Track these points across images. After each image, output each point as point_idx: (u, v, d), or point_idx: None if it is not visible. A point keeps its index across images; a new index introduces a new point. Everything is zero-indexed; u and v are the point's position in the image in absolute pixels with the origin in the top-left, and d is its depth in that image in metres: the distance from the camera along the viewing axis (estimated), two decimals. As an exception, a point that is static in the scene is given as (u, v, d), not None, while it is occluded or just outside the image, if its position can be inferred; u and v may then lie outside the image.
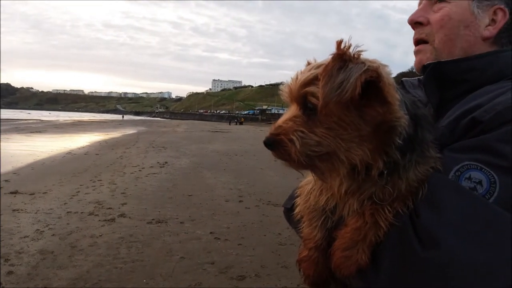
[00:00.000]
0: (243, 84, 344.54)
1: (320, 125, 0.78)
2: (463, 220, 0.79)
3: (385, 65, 0.79)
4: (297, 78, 0.82)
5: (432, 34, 1.14)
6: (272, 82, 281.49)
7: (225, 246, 5.59)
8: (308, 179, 1.03)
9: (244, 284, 4.42)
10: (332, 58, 0.77)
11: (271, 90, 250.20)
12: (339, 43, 0.76)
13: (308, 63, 0.86)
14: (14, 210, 6.96)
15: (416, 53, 1.20)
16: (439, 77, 1.10)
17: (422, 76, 1.22)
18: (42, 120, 63.39)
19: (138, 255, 5.09)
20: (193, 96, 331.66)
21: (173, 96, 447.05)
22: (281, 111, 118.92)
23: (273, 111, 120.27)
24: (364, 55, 0.77)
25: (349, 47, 0.76)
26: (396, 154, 0.81)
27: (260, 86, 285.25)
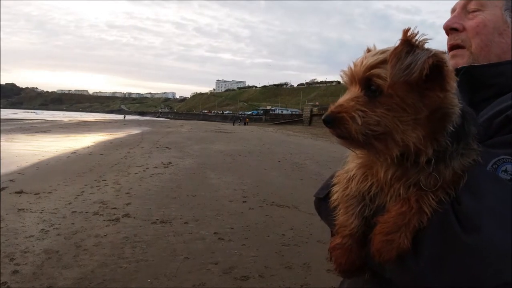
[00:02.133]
0: (247, 85, 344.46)
1: (381, 106, 0.83)
2: (502, 208, 0.84)
3: (446, 53, 0.85)
4: (362, 62, 0.87)
5: (468, 40, 1.19)
6: (276, 82, 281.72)
7: (229, 246, 5.61)
8: (347, 168, 1.05)
9: (247, 284, 4.43)
10: (401, 42, 0.82)
11: (274, 91, 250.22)
12: (406, 30, 0.82)
13: (368, 50, 0.91)
14: (19, 209, 7.00)
15: (451, 57, 1.24)
16: (470, 80, 1.15)
17: None
18: (47, 120, 63.67)
19: (142, 255, 5.11)
20: (197, 96, 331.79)
21: (177, 96, 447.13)
22: (284, 111, 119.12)
23: (277, 112, 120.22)
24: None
25: (415, 35, 0.81)
26: (446, 142, 0.86)
27: (264, 86, 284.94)
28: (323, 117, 0.85)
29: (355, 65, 0.88)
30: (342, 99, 0.87)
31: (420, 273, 0.87)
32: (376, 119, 0.82)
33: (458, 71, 1.16)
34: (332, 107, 0.86)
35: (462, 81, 1.15)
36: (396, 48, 0.81)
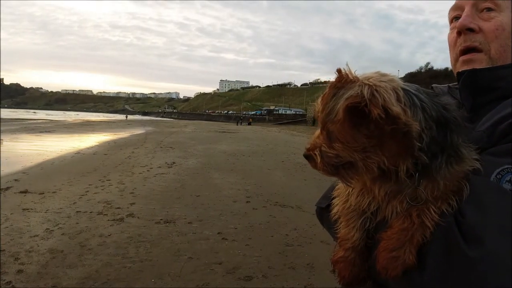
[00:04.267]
0: (250, 85, 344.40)
1: (337, 141, 0.89)
2: (507, 220, 0.82)
3: (384, 79, 0.84)
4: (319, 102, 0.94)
5: (487, 43, 1.13)
6: (280, 82, 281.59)
7: (233, 246, 5.62)
8: None
9: (251, 284, 4.43)
10: (329, 86, 0.88)
11: (278, 91, 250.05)
12: (339, 70, 0.87)
13: (338, 72, 0.91)
14: (24, 209, 7.04)
15: (467, 62, 1.17)
16: (472, 84, 1.12)
17: (452, 84, 1.25)
18: (51, 120, 63.90)
19: (146, 255, 5.13)
20: (201, 96, 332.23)
21: (181, 96, 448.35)
22: (288, 111, 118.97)
23: (280, 112, 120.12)
24: (364, 75, 0.87)
25: (346, 74, 0.86)
26: (422, 156, 0.85)
27: (268, 86, 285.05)
28: (303, 154, 0.98)
29: (316, 104, 0.95)
30: (313, 136, 0.98)
31: (425, 286, 0.87)
32: (334, 153, 0.90)
33: (460, 75, 1.15)
34: (306, 145, 0.99)
35: (465, 85, 1.13)
36: (324, 94, 0.89)
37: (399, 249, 0.89)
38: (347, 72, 0.86)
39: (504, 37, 1.12)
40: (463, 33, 1.17)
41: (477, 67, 1.14)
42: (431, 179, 0.88)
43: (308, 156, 0.97)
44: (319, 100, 0.92)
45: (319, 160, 0.93)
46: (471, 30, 1.15)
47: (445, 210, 0.88)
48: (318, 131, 0.96)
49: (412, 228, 0.89)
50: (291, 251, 5.50)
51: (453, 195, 0.89)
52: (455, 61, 1.22)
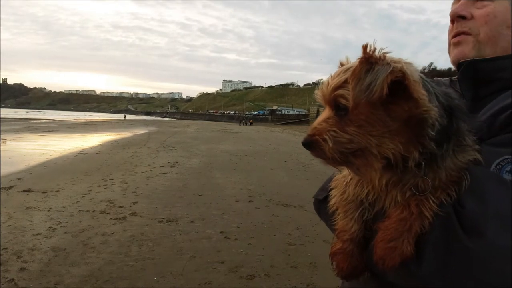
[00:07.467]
0: (253, 85, 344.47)
1: (351, 124, 0.83)
2: (506, 211, 0.81)
3: (409, 63, 0.82)
4: (328, 83, 0.87)
5: (476, 28, 1.14)
6: (282, 82, 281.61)
7: (235, 245, 5.61)
8: (344, 173, 1.04)
9: (253, 283, 4.43)
10: (360, 61, 0.81)
11: (281, 91, 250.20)
12: (365, 47, 0.80)
13: (341, 64, 0.90)
14: (27, 207, 7.07)
15: (456, 44, 1.18)
16: (473, 75, 1.12)
17: (454, 77, 1.24)
18: (55, 120, 64.10)
19: (149, 253, 5.13)
20: (204, 96, 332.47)
21: (184, 96, 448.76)
22: (290, 112, 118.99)
23: (283, 112, 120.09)
24: (389, 56, 0.81)
25: (374, 50, 0.80)
26: (431, 145, 0.83)
27: (270, 86, 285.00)
28: (301, 141, 0.88)
29: (323, 85, 0.88)
30: (316, 121, 0.88)
31: (423, 277, 0.85)
32: (348, 137, 0.83)
33: (460, 66, 1.15)
34: (308, 131, 0.89)
35: (465, 76, 1.13)
36: (355, 69, 0.80)
37: (397, 240, 0.87)
38: (373, 51, 0.80)
39: (496, 23, 1.12)
40: (456, 20, 1.18)
41: (465, 49, 1.15)
42: (434, 169, 0.86)
43: (310, 143, 0.87)
44: (335, 77, 0.86)
45: (330, 146, 0.83)
46: (463, 17, 1.16)
47: (444, 200, 0.87)
48: (323, 115, 0.88)
49: (410, 218, 0.87)
50: (293, 250, 5.50)
51: (452, 185, 0.87)
52: (449, 46, 1.23)
